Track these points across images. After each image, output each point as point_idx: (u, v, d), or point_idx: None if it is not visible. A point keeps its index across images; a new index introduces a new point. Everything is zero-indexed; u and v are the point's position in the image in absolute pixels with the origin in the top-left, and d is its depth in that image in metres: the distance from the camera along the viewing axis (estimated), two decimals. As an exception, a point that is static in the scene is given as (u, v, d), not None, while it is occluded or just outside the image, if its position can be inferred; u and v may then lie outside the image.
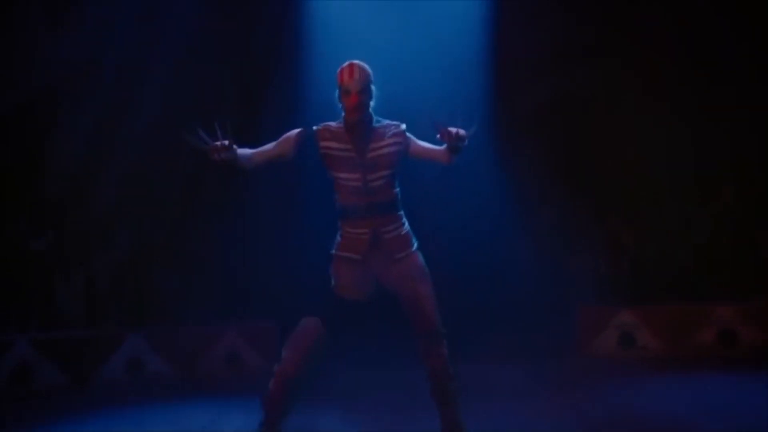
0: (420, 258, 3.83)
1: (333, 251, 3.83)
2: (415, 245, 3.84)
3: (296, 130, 3.82)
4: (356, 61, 3.79)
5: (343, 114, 3.79)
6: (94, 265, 7.42)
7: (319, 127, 3.81)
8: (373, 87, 3.79)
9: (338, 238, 3.84)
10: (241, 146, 3.69)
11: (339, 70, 3.77)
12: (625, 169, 7.93)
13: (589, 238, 7.82)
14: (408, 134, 3.86)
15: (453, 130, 3.64)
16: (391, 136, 3.79)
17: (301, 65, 7.55)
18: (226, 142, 3.59)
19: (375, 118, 3.82)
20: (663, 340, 7.06)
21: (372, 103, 3.78)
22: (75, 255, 7.46)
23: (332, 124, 3.82)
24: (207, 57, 7.98)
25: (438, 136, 3.69)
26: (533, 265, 7.53)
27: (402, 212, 3.85)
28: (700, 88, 7.98)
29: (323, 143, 3.77)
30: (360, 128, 3.76)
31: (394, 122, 3.84)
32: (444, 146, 3.72)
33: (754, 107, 7.83)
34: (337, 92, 3.76)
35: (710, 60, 7.99)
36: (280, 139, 3.82)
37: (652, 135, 7.93)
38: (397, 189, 3.83)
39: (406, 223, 3.86)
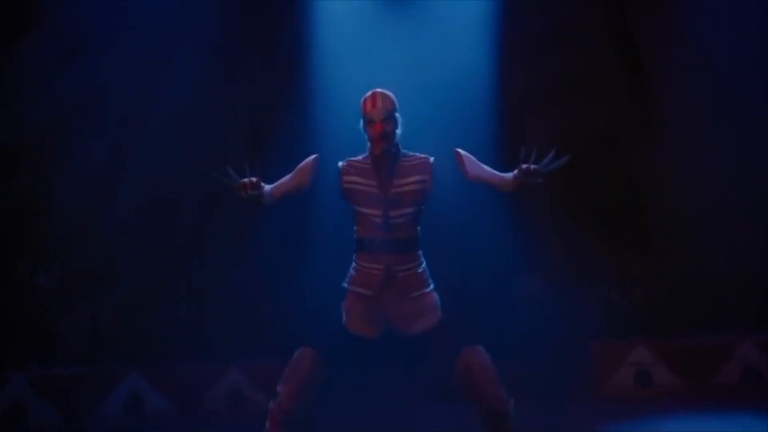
0: (435, 298, 3.65)
1: (345, 284, 3.67)
2: (431, 286, 3.66)
3: (311, 158, 3.69)
4: (380, 89, 3.65)
5: (368, 145, 3.65)
6: (98, 301, 7.22)
7: (344, 163, 3.68)
8: (398, 115, 3.64)
9: (352, 271, 3.68)
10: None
11: (363, 99, 3.64)
12: (636, 200, 7.74)
13: (600, 271, 7.57)
14: (463, 153, 3.68)
15: (530, 165, 3.54)
16: (418, 173, 3.63)
17: (312, 96, 7.40)
18: (254, 179, 3.51)
19: (402, 151, 3.67)
20: (682, 378, 6.66)
21: (398, 132, 3.64)
22: (79, 291, 7.27)
23: (357, 158, 3.69)
24: (218, 92, 7.84)
25: (516, 171, 3.56)
26: (543, 298, 7.28)
27: (420, 252, 3.69)
28: (710, 118, 7.75)
29: (346, 178, 3.64)
30: (385, 161, 3.62)
31: (422, 156, 3.68)
32: (512, 174, 3.59)
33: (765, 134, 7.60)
34: (361, 122, 3.64)
35: (721, 90, 7.72)
36: (296, 169, 3.69)
37: (666, 164, 7.74)
38: (419, 227, 3.67)
39: (424, 263, 3.69)
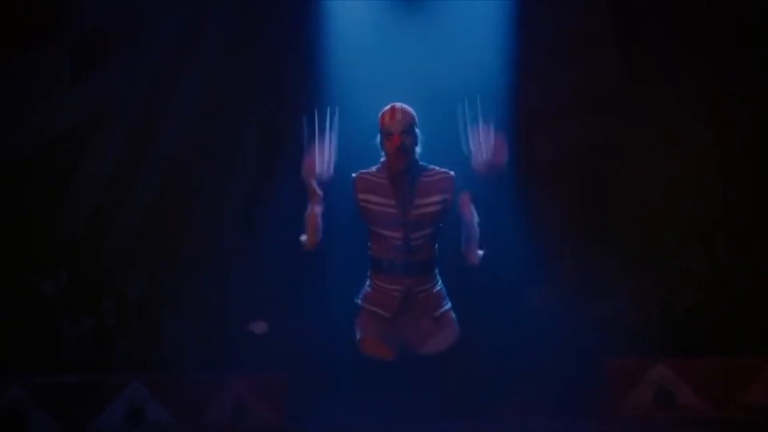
0: (452, 318, 3.40)
1: (359, 301, 3.40)
2: (449, 305, 3.40)
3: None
4: (398, 103, 3.37)
5: (383, 160, 3.35)
6: (104, 309, 7.02)
7: (357, 175, 3.35)
8: (418, 131, 3.33)
9: (367, 288, 3.40)
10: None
11: (381, 113, 3.35)
12: (650, 216, 7.48)
13: (614, 286, 7.27)
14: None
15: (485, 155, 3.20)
16: (440, 191, 3.32)
17: (324, 104, 7.16)
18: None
19: (421, 164, 3.37)
20: (706, 398, 6.30)
21: (418, 150, 3.34)
22: (84, 299, 7.09)
23: (371, 171, 3.36)
24: (228, 102, 7.68)
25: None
26: (556, 312, 6.94)
27: (437, 270, 3.42)
28: (722, 130, 7.51)
29: (362, 195, 3.33)
30: (404, 178, 3.32)
31: (443, 171, 3.37)
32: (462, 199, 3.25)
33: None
34: (378, 137, 3.34)
35: (733, 103, 7.55)
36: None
37: (678, 181, 7.53)
38: (437, 246, 3.39)
39: (440, 281, 3.42)
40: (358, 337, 3.36)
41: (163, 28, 7.48)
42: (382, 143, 3.36)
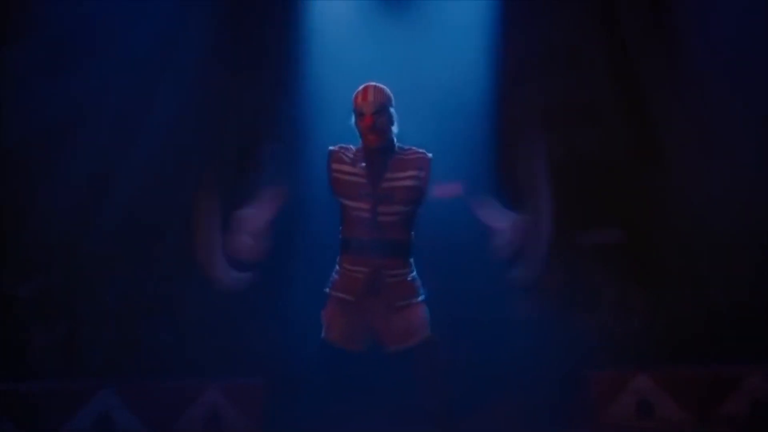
0: (424, 311, 3.31)
1: (327, 289, 3.34)
2: (422, 296, 3.32)
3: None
4: (373, 83, 3.35)
5: (361, 141, 3.35)
6: (79, 313, 6.87)
7: (335, 148, 3.38)
8: (393, 111, 3.32)
9: (334, 275, 3.34)
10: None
11: (354, 93, 3.34)
12: (632, 227, 7.42)
13: (597, 297, 7.22)
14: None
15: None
16: (413, 168, 3.30)
17: (306, 102, 7.09)
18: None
19: (398, 145, 3.36)
20: (687, 409, 6.17)
21: (395, 129, 3.33)
22: (58, 303, 6.92)
23: (351, 147, 3.39)
24: (208, 107, 7.48)
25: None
26: (540, 325, 6.86)
27: (412, 260, 3.34)
28: (711, 144, 7.42)
29: (335, 165, 3.34)
30: (379, 154, 3.31)
31: (420, 151, 3.36)
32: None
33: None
34: (353, 118, 3.34)
35: (722, 117, 7.41)
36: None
37: (662, 193, 7.42)
38: (413, 232, 3.32)
39: (415, 271, 3.34)
40: (323, 332, 3.26)
41: (142, 28, 7.27)
42: (356, 123, 3.31)
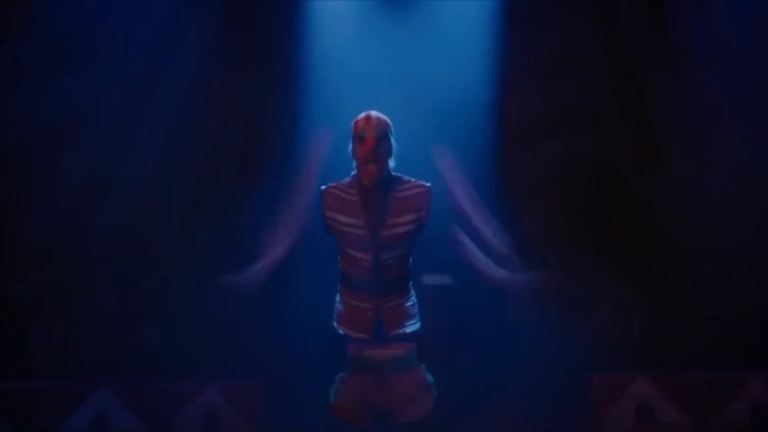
0: (428, 379, 3.31)
1: (335, 324, 3.28)
2: (417, 324, 3.29)
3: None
4: (374, 111, 3.23)
5: (354, 173, 3.19)
6: (75, 312, 6.86)
7: (326, 189, 3.21)
8: (393, 140, 3.19)
9: (338, 305, 3.27)
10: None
11: (354, 120, 3.21)
12: (632, 231, 7.40)
13: (596, 301, 7.19)
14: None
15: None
16: (414, 209, 3.18)
17: (307, 105, 7.04)
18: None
19: (396, 175, 3.21)
20: (687, 414, 6.14)
21: (392, 163, 3.19)
22: (55, 302, 6.90)
23: (343, 184, 3.22)
24: (208, 107, 7.49)
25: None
26: (540, 328, 6.83)
27: (410, 283, 3.30)
28: (710, 148, 7.42)
29: (329, 213, 3.19)
30: (375, 193, 3.16)
31: (418, 183, 3.20)
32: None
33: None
34: (350, 145, 3.18)
35: (722, 120, 7.39)
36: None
37: (662, 196, 7.41)
38: (410, 260, 3.27)
39: (413, 297, 3.30)
40: (331, 400, 3.22)
41: (141, 28, 7.27)
42: (354, 150, 3.17)
